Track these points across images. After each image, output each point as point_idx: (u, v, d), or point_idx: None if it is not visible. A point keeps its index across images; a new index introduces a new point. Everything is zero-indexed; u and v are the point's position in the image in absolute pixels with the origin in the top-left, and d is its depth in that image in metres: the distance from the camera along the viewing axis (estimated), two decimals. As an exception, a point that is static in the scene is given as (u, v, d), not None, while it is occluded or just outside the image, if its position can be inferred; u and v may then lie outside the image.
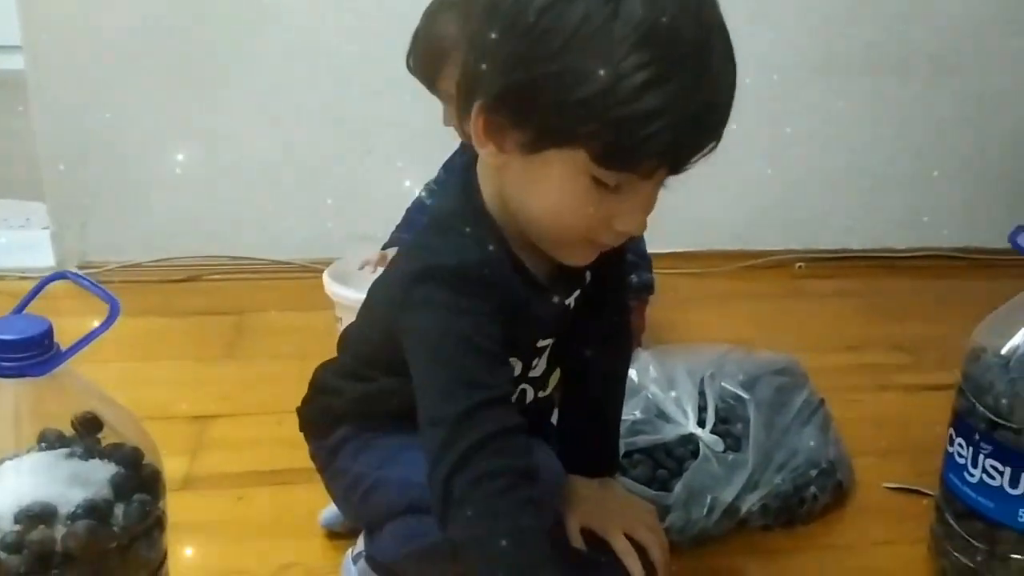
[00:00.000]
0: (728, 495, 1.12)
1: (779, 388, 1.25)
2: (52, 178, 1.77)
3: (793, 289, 1.90)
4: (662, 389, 1.22)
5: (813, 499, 1.17)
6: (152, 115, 1.72)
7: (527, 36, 0.71)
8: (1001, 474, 0.97)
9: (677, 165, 0.75)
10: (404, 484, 0.88)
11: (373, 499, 0.91)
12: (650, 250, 1.60)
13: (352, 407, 0.94)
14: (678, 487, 1.10)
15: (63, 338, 0.74)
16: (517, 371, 0.89)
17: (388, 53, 1.74)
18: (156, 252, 1.79)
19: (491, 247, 0.81)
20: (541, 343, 0.90)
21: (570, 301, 0.91)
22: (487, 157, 0.79)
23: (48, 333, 0.72)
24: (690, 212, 1.93)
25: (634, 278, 1.49)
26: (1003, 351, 0.98)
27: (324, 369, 1.00)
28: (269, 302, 1.71)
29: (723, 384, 1.23)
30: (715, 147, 0.75)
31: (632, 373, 1.25)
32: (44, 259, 1.82)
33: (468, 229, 0.82)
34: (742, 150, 1.91)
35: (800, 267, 1.98)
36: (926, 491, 1.14)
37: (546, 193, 0.77)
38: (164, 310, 1.67)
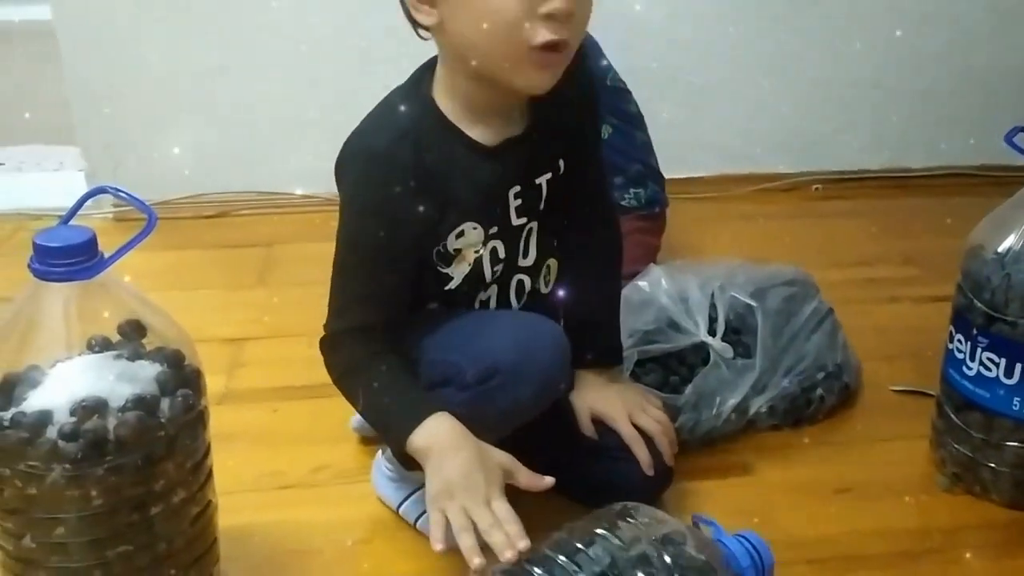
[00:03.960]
0: (736, 397, 1.17)
1: (788, 298, 1.29)
2: (84, 122, 1.83)
3: (809, 210, 1.92)
4: (674, 301, 1.26)
5: (820, 400, 1.22)
6: (177, 54, 1.76)
7: None
8: (997, 365, 1.01)
9: None
10: (431, 365, 0.94)
11: None
12: (666, 175, 1.62)
13: None
14: (688, 390, 1.16)
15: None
16: (502, 254, 0.96)
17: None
18: (187, 189, 1.85)
19: (423, 118, 0.90)
20: (516, 220, 0.95)
21: (541, 181, 0.96)
22: (425, 20, 0.87)
23: (93, 240, 0.78)
24: (705, 137, 1.96)
25: (642, 191, 1.53)
26: (1000, 248, 1.01)
27: None
28: (297, 234, 1.76)
29: (733, 295, 1.27)
30: None
31: (644, 285, 1.29)
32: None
33: (403, 106, 0.91)
34: (752, 71, 1.93)
35: (817, 189, 2.00)
36: (931, 392, 1.17)
37: (475, 9, 0.83)
38: (196, 244, 1.74)
